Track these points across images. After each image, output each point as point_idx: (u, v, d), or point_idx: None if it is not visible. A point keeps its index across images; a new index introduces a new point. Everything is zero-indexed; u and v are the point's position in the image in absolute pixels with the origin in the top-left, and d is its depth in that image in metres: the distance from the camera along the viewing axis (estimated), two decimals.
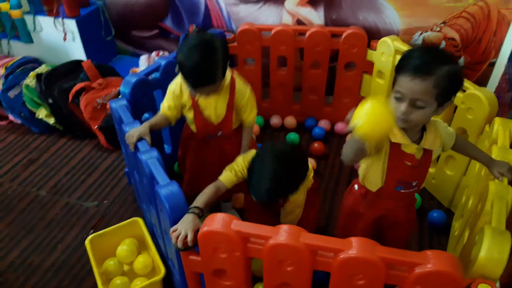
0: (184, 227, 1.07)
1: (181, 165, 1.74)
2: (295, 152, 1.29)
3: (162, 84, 1.72)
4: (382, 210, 1.25)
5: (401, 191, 1.19)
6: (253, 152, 1.32)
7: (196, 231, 1.06)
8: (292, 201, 1.34)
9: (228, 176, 1.30)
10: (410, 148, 1.11)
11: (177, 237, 1.06)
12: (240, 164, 1.31)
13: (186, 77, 1.30)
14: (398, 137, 1.09)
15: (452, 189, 1.72)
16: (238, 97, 1.46)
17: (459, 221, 1.55)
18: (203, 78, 1.28)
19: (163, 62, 1.71)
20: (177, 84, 1.46)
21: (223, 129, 1.51)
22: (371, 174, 1.19)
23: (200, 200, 1.20)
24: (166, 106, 1.48)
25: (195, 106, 1.46)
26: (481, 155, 1.23)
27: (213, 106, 1.46)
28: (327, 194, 1.87)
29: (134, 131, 1.36)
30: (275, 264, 1.02)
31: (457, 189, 1.70)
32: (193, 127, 1.52)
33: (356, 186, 1.30)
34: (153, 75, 1.71)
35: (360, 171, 1.23)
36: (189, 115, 1.49)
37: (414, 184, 1.18)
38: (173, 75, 1.77)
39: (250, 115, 1.52)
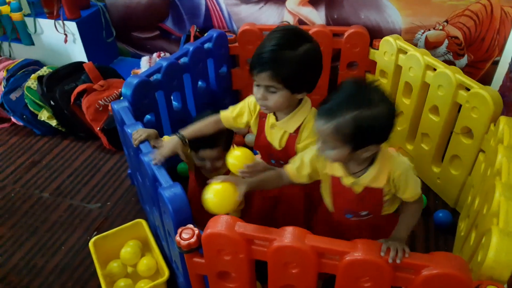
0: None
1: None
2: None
3: (164, 85, 1.72)
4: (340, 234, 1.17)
5: (352, 219, 1.15)
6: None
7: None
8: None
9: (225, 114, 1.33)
10: (346, 180, 1.08)
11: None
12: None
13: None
14: (333, 167, 1.08)
15: (458, 189, 1.71)
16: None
17: (465, 222, 1.53)
18: None
19: (164, 63, 1.70)
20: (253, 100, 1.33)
21: (286, 157, 1.28)
22: (325, 195, 1.18)
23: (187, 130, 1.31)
24: (232, 114, 1.35)
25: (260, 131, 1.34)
26: (403, 227, 1.08)
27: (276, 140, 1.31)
28: None
29: (142, 130, 1.34)
30: (280, 266, 1.01)
31: (462, 189, 1.69)
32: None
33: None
34: (154, 77, 1.70)
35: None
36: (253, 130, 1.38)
37: (363, 213, 1.13)
38: (175, 77, 1.77)
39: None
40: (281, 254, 0.98)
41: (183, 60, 1.82)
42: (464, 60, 1.98)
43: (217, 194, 1.08)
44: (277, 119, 1.27)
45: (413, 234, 1.67)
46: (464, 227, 1.52)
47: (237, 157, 1.24)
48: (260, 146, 1.34)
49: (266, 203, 1.44)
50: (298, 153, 1.21)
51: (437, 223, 1.69)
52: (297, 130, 1.25)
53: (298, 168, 1.13)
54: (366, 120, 0.94)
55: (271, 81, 1.14)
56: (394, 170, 1.07)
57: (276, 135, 1.28)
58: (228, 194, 1.08)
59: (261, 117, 1.31)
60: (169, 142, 1.31)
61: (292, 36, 1.14)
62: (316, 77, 1.21)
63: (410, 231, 1.08)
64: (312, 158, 1.11)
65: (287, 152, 1.27)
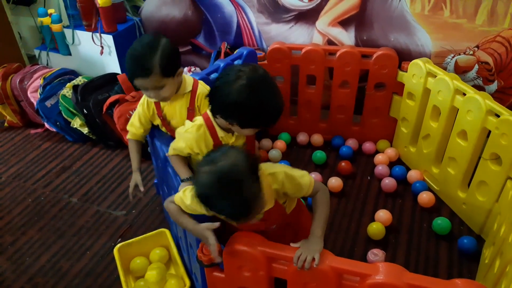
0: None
1: None
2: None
3: None
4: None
5: (270, 229, 1.16)
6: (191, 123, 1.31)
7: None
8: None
9: (178, 144, 1.32)
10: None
11: None
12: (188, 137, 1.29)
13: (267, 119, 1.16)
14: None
15: (484, 216, 1.68)
16: (198, 99, 1.44)
17: (490, 249, 1.50)
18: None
19: (195, 78, 1.74)
20: (144, 99, 1.49)
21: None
22: None
23: (184, 171, 1.30)
24: (138, 125, 1.52)
25: (162, 117, 1.48)
26: (316, 224, 1.11)
27: (178, 114, 1.45)
28: (353, 214, 1.85)
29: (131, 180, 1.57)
30: (300, 286, 1.02)
31: (489, 216, 1.66)
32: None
33: None
34: None
35: None
36: (159, 125, 1.54)
37: (274, 227, 1.16)
38: None
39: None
40: (301, 273, 0.99)
41: (214, 76, 1.86)
42: (494, 86, 1.96)
43: None
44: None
45: (436, 260, 1.64)
46: (488, 255, 1.49)
47: None
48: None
49: None
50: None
51: (461, 249, 1.65)
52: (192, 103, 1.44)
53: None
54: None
55: (156, 81, 1.31)
56: (276, 183, 1.10)
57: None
58: None
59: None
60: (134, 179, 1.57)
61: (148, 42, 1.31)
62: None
63: (326, 222, 1.13)
64: None
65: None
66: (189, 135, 1.27)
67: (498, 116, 1.52)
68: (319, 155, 2.13)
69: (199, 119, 1.28)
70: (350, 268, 0.95)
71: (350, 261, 0.97)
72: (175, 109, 1.44)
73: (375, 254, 1.57)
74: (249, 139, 1.35)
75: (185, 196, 1.12)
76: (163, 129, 1.53)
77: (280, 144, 2.23)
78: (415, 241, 1.72)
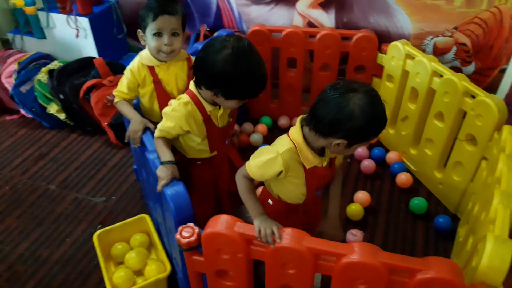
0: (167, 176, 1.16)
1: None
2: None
3: None
4: (298, 221, 1.26)
5: (318, 194, 1.24)
6: (177, 101, 1.28)
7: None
8: None
9: (165, 126, 1.28)
10: (322, 163, 1.13)
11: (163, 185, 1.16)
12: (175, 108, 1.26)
13: (252, 89, 1.17)
14: (312, 161, 1.10)
15: (459, 195, 1.72)
16: None
17: (464, 228, 1.54)
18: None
19: None
20: (135, 64, 1.45)
21: (232, 129, 1.44)
22: (291, 192, 1.19)
23: (167, 154, 1.25)
24: (126, 90, 1.47)
25: (157, 81, 1.45)
26: (334, 203, 1.27)
27: (174, 80, 1.47)
28: None
29: (135, 126, 1.38)
30: (278, 267, 1.03)
31: (464, 195, 1.70)
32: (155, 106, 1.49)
33: (270, 201, 1.25)
34: None
35: (273, 189, 1.21)
36: (148, 92, 1.48)
37: (327, 182, 1.23)
38: None
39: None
40: (279, 255, 1.00)
41: None
42: (471, 67, 1.98)
43: None
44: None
45: (413, 239, 1.68)
46: (463, 233, 1.53)
47: None
48: (215, 136, 1.34)
49: (207, 183, 1.47)
50: None
51: (437, 228, 1.69)
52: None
53: (263, 175, 1.13)
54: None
55: (178, 25, 1.35)
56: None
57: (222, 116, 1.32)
58: None
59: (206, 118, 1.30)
60: (170, 173, 1.20)
61: None
62: None
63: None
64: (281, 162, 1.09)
65: (232, 125, 1.40)
66: (177, 113, 1.25)
67: (474, 97, 1.55)
68: None
69: (184, 97, 1.27)
70: (326, 248, 0.97)
71: (326, 241, 0.98)
72: (171, 75, 1.45)
73: (353, 234, 1.60)
74: (233, 115, 1.38)
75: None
76: (145, 99, 1.50)
77: (262, 128, 2.22)
78: (393, 221, 1.76)
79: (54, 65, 2.33)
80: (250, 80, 1.14)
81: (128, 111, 1.47)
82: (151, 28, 1.35)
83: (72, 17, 2.32)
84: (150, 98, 1.49)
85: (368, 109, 0.98)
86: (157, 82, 1.45)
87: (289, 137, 1.10)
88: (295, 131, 1.09)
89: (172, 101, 1.29)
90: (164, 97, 1.46)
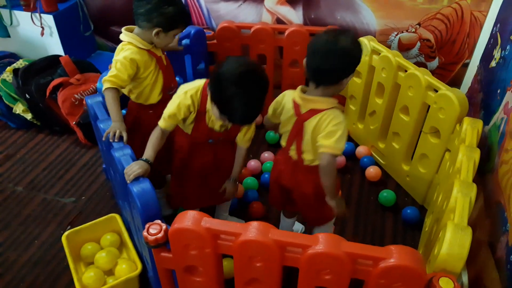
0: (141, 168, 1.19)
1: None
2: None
3: None
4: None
5: (212, 142, 1.43)
6: (198, 82, 1.31)
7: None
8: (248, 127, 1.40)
9: (168, 112, 1.30)
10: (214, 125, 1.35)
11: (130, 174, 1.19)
12: (186, 97, 1.28)
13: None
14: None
15: (426, 187, 1.77)
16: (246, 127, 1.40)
17: (430, 217, 1.59)
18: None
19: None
20: (134, 51, 1.44)
21: (227, 136, 1.42)
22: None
23: (149, 153, 1.27)
24: (126, 77, 1.42)
25: (158, 59, 1.51)
26: (236, 166, 1.49)
27: (163, 56, 1.53)
28: None
29: (117, 127, 1.35)
30: (245, 260, 1.04)
31: (430, 186, 1.75)
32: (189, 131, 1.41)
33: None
34: None
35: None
36: (151, 73, 1.50)
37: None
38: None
39: (247, 133, 1.41)
40: (246, 248, 1.01)
41: (185, 42, 1.82)
42: (435, 62, 2.04)
43: None
44: None
45: (382, 230, 1.72)
46: (428, 223, 1.57)
47: None
48: (200, 132, 1.38)
49: (199, 180, 1.50)
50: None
51: (405, 219, 1.74)
52: None
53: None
54: None
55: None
56: None
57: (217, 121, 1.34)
58: None
59: (201, 112, 1.33)
60: (142, 166, 1.22)
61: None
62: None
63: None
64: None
65: (230, 133, 1.40)
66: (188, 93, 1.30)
67: (436, 91, 1.59)
68: (272, 135, 2.15)
69: (201, 81, 1.32)
70: (292, 240, 0.98)
71: (291, 233, 1.00)
72: (160, 52, 1.54)
73: None
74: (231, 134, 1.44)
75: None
76: (147, 81, 1.50)
77: None
78: (362, 213, 1.80)
79: (19, 64, 2.27)
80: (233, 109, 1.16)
81: (117, 109, 1.41)
82: (177, 31, 1.48)
83: (37, 14, 2.27)
84: (153, 77, 1.51)
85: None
86: (158, 59, 1.52)
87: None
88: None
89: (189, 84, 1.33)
90: (167, 70, 1.56)
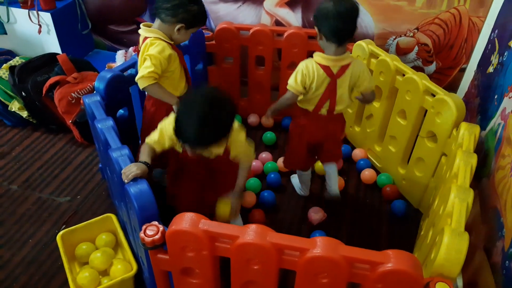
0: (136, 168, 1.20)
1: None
2: (223, 95, 1.22)
3: None
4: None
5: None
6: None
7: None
8: (233, 146, 1.34)
9: (152, 137, 1.33)
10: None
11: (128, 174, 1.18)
12: (165, 123, 1.33)
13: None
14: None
15: (421, 190, 1.77)
16: (233, 146, 1.36)
17: (426, 221, 1.59)
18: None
19: (108, 76, 1.66)
20: (164, 45, 1.48)
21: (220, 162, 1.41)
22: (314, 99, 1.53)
23: (144, 158, 1.28)
24: (160, 71, 1.47)
25: (179, 53, 1.57)
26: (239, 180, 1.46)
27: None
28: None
29: (138, 167, 1.22)
30: (243, 263, 1.04)
31: (425, 190, 1.76)
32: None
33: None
34: (129, 71, 1.70)
35: None
36: (177, 66, 1.57)
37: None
38: (120, 91, 1.74)
39: (246, 160, 1.44)
40: (243, 251, 1.01)
41: (130, 71, 1.78)
42: (432, 67, 2.05)
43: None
44: None
45: (378, 233, 1.73)
46: (424, 227, 1.58)
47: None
48: (189, 159, 1.37)
49: (194, 185, 1.49)
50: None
51: (393, 212, 1.79)
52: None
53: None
54: None
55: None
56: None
57: None
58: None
59: None
60: (140, 168, 1.21)
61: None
62: None
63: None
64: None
65: (222, 158, 1.37)
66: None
67: (434, 96, 1.60)
68: (269, 136, 2.15)
69: None
70: (289, 243, 0.98)
71: (289, 236, 1.00)
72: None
73: (315, 212, 1.73)
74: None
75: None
76: (175, 75, 1.57)
77: None
78: (358, 216, 1.80)
79: (16, 61, 2.25)
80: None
81: (169, 93, 1.52)
82: (195, 29, 1.56)
83: (34, 12, 2.25)
84: (177, 70, 1.57)
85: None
86: (179, 53, 1.57)
87: None
88: None
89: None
90: (184, 64, 1.63)
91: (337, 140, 1.68)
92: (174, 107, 1.49)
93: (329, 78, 1.45)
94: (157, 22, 1.51)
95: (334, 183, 1.73)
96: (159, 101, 1.57)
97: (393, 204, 1.79)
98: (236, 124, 1.29)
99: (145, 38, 1.51)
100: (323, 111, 1.52)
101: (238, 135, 1.33)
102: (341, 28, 1.36)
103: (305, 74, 1.44)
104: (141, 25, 1.53)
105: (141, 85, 1.47)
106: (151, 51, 1.45)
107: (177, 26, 1.47)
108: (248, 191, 1.82)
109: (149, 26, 1.52)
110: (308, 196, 1.88)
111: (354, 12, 1.37)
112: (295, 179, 1.90)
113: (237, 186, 1.47)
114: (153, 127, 1.39)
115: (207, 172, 1.45)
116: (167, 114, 1.39)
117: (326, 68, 1.43)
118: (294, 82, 1.46)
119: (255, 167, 1.96)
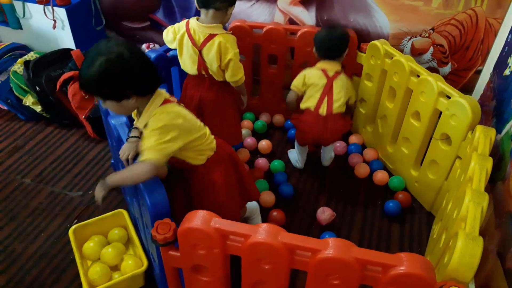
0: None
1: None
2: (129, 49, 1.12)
3: None
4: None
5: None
6: None
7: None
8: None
9: None
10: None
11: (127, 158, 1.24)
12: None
13: None
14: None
15: (434, 193, 1.75)
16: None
17: (438, 225, 1.58)
18: None
19: (152, 56, 1.70)
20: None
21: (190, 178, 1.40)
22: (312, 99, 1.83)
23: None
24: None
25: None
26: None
27: None
28: (311, 192, 1.89)
29: (129, 148, 1.25)
30: (254, 262, 1.04)
31: (438, 193, 1.74)
32: None
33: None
34: (171, 53, 1.72)
35: None
36: None
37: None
38: (162, 69, 1.78)
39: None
40: (255, 250, 1.00)
41: (172, 53, 1.82)
42: (447, 68, 2.02)
43: None
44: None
45: (388, 235, 1.71)
46: (436, 230, 1.56)
47: None
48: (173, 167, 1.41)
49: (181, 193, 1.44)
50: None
51: (386, 212, 1.78)
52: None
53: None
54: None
55: (101, 99, 1.17)
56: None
57: None
58: None
59: None
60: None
61: (91, 55, 1.11)
62: (129, 82, 1.13)
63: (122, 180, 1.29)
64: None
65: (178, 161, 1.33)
66: None
67: (449, 97, 1.58)
68: (260, 125, 2.20)
69: None
70: (301, 243, 0.98)
71: (301, 237, 0.99)
72: None
73: (323, 211, 1.72)
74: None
75: None
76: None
77: (247, 123, 2.23)
78: (369, 217, 1.78)
79: (30, 56, 2.28)
80: None
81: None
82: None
83: (49, 7, 2.27)
84: None
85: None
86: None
87: None
88: None
89: None
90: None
91: (338, 132, 1.85)
92: (243, 97, 1.83)
93: (325, 79, 1.78)
94: (210, 13, 1.55)
95: (326, 157, 2.00)
96: (227, 91, 1.74)
97: (386, 205, 1.79)
98: (159, 102, 1.19)
99: (210, 35, 1.57)
100: (322, 110, 1.78)
101: (156, 113, 1.18)
102: (330, 49, 1.80)
103: (305, 75, 1.83)
104: (192, 21, 1.58)
105: (241, 82, 1.70)
106: (235, 49, 1.61)
107: (230, 9, 1.59)
108: (268, 191, 1.82)
109: (197, 21, 1.59)
110: (317, 196, 1.87)
111: (341, 39, 1.79)
112: (292, 154, 2.05)
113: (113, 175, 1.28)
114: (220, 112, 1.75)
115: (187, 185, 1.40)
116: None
117: (324, 71, 1.79)
118: (295, 80, 1.85)
119: (261, 164, 1.95)
